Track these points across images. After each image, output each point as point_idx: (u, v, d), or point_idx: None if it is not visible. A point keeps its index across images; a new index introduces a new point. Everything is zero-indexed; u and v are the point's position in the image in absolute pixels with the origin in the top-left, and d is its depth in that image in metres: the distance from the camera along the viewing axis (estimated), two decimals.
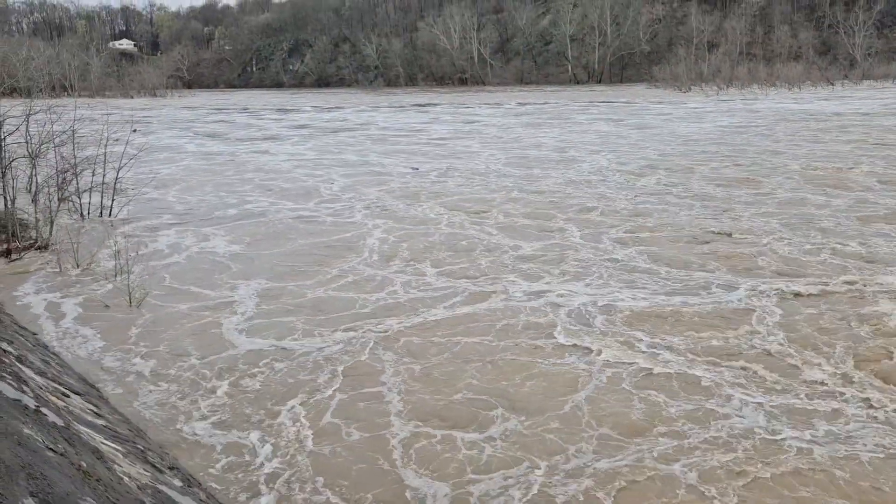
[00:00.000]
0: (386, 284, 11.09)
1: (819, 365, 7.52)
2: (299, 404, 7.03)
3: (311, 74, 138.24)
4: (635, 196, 17.91)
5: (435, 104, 63.88)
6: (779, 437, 6.08)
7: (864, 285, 10.11)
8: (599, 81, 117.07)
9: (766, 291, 9.98)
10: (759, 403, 6.74)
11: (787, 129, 31.91)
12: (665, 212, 15.81)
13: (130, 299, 10.30)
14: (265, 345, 8.71)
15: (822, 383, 7.11)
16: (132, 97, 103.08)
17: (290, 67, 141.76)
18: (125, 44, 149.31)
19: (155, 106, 74.58)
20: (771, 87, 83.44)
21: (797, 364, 7.58)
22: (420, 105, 63.79)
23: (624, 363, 7.78)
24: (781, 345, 8.10)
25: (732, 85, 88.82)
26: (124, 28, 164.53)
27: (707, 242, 12.99)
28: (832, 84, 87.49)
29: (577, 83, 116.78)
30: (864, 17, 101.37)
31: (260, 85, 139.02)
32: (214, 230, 15.35)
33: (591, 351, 8.19)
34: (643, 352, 8.07)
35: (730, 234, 13.48)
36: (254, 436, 6.39)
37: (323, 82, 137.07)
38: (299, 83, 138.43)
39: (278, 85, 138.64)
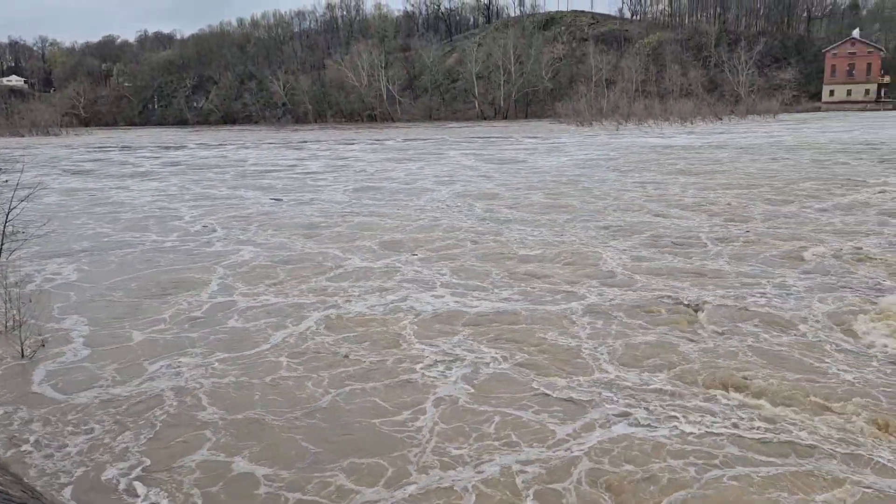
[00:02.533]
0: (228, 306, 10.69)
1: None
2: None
3: (216, 112, 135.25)
4: (445, 217, 17.54)
5: (320, 140, 63.13)
6: None
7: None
8: (506, 117, 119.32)
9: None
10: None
11: (627, 162, 32.65)
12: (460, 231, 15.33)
13: None
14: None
15: None
16: (23, 136, 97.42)
17: (195, 105, 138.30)
18: (14, 80, 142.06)
19: (36, 145, 70.74)
20: (665, 122, 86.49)
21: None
22: (304, 142, 62.91)
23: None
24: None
25: (630, 120, 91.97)
26: (13, 64, 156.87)
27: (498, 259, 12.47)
28: (720, 119, 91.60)
29: (485, 119, 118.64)
30: (745, 56, 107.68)
31: (162, 123, 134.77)
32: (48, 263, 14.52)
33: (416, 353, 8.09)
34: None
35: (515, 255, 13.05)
36: None
37: (229, 119, 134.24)
38: (204, 120, 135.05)
39: (182, 122, 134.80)
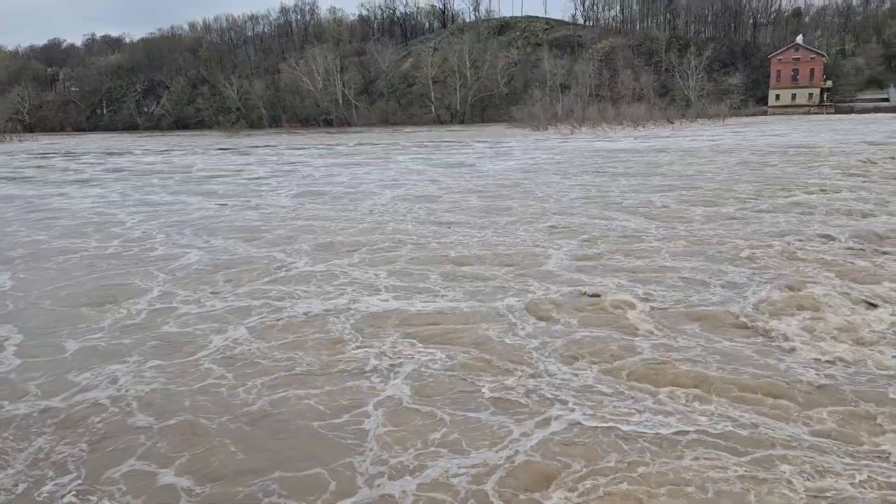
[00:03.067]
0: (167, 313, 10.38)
1: None
2: None
3: (168, 116, 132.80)
4: (386, 221, 17.45)
5: (271, 146, 62.33)
6: None
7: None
8: (462, 122, 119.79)
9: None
10: None
11: (572, 165, 32.89)
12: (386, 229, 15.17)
13: None
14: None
15: None
16: None
17: (146, 109, 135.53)
18: None
19: None
20: (619, 126, 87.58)
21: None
22: (254, 147, 62.05)
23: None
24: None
25: (584, 124, 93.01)
26: None
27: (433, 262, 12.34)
28: (672, 123, 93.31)
29: (441, 123, 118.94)
30: (695, 62, 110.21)
31: (112, 128, 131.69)
32: None
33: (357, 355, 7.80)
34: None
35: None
36: None
37: (182, 124, 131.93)
38: (156, 126, 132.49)
39: (132, 127, 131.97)
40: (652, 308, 9.89)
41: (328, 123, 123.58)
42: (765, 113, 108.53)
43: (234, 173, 37.06)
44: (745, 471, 5.60)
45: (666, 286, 11.06)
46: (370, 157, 43.55)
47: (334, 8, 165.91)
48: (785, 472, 5.52)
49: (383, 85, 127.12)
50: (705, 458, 5.81)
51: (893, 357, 7.76)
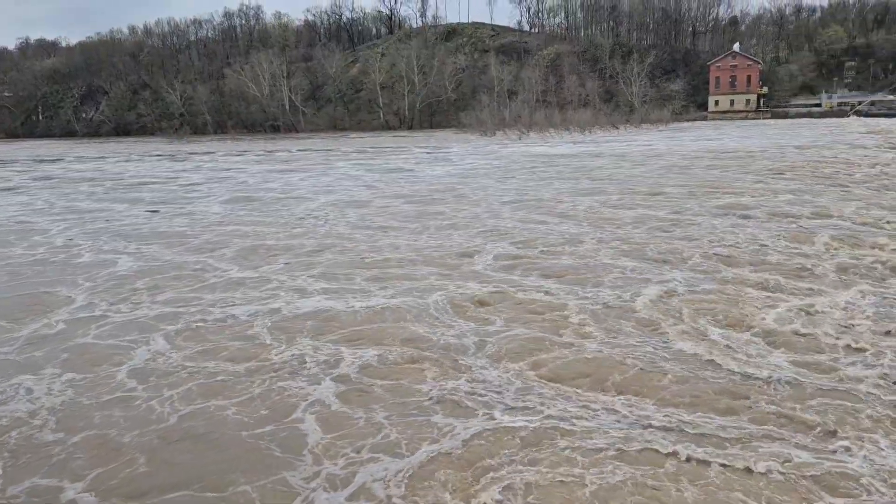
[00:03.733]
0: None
1: None
2: None
3: (107, 123, 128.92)
4: (316, 226, 17.07)
5: (210, 152, 61.06)
6: None
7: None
8: (411, 127, 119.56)
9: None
10: None
11: (508, 170, 33.07)
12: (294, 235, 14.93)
13: None
14: None
15: None
16: None
17: (84, 115, 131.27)
18: None
19: None
20: (566, 131, 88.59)
21: None
22: (192, 153, 60.72)
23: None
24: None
25: (532, 129, 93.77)
26: None
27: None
28: (617, 128, 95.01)
29: (390, 129, 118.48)
30: (638, 68, 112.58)
31: (48, 134, 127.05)
32: None
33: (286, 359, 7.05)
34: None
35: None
36: None
37: (122, 131, 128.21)
38: (95, 132, 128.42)
39: (71, 134, 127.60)
40: (578, 307, 9.94)
41: (275, 129, 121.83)
42: (705, 118, 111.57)
43: (167, 180, 36.23)
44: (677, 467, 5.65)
45: (592, 285, 11.16)
46: (309, 164, 43.03)
47: (280, 13, 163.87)
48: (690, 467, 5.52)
49: (331, 90, 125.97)
50: (633, 453, 5.84)
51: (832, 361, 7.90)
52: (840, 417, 6.33)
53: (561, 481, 5.50)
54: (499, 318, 9.67)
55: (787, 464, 5.57)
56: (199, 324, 9.98)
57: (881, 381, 7.02)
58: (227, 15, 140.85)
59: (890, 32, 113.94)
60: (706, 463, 5.68)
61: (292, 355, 8.53)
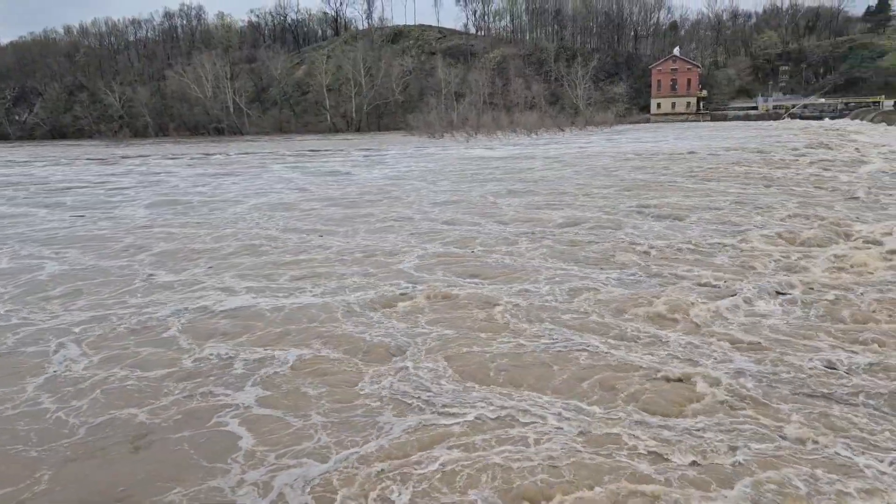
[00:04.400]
0: None
1: None
2: None
3: (42, 125, 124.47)
4: (241, 229, 16.77)
5: (145, 155, 59.41)
6: None
7: None
8: (358, 129, 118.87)
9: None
10: None
11: (443, 173, 32.95)
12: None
13: None
14: None
15: None
16: None
17: (17, 118, 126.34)
18: None
19: None
20: (512, 133, 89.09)
21: None
22: (126, 157, 59.01)
23: None
24: None
25: (480, 131, 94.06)
26: None
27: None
28: (563, 130, 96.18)
29: (337, 131, 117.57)
30: (582, 72, 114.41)
31: None
32: None
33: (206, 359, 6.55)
34: None
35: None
36: None
37: (58, 134, 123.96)
38: (29, 135, 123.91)
39: (3, 137, 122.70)
40: (504, 305, 10.00)
41: (219, 132, 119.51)
42: (648, 120, 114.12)
43: (95, 184, 35.07)
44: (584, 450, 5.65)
45: (517, 284, 11.20)
46: (244, 167, 42.21)
47: (222, 13, 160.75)
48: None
49: (276, 93, 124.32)
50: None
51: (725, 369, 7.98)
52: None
53: (488, 474, 5.52)
54: (424, 316, 9.67)
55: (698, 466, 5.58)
56: (117, 329, 9.69)
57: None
58: (168, 15, 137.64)
59: (820, 38, 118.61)
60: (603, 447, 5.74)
61: (214, 357, 8.37)
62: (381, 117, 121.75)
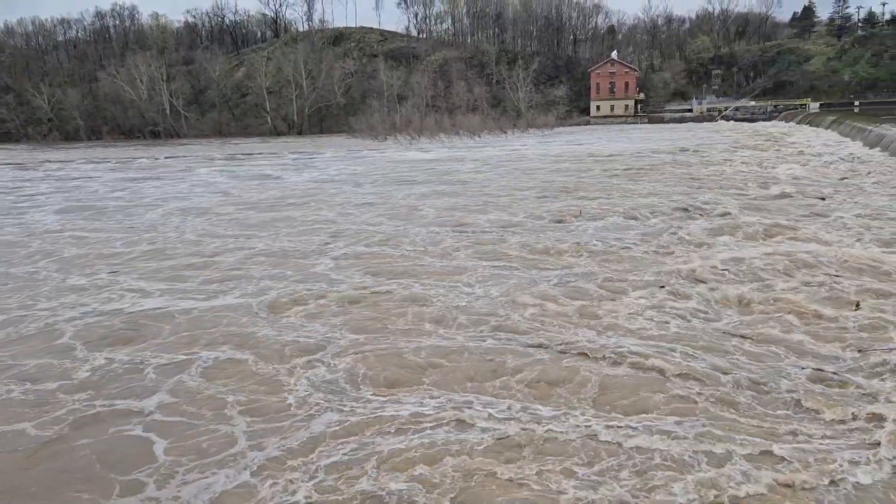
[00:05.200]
0: None
1: None
2: None
3: None
4: (155, 235, 16.36)
5: (68, 160, 57.23)
6: None
7: None
8: (300, 133, 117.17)
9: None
10: None
11: (371, 176, 32.73)
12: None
13: None
14: None
15: None
16: None
17: None
18: None
19: None
20: (455, 136, 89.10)
21: None
22: (46, 161, 56.87)
23: None
24: None
25: (423, 134, 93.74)
26: None
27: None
28: (505, 132, 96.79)
29: (279, 134, 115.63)
30: (523, 74, 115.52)
31: None
32: None
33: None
34: None
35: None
36: None
37: None
38: None
39: None
40: (416, 304, 10.07)
41: (155, 135, 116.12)
42: (588, 122, 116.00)
43: (10, 190, 33.59)
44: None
45: (430, 285, 11.24)
46: (170, 171, 41.11)
47: (157, 13, 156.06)
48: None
49: (215, 95, 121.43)
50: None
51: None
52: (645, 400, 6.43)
53: (399, 476, 5.52)
54: (334, 317, 9.69)
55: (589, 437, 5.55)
56: (23, 330, 9.50)
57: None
58: (99, 15, 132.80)
59: (750, 43, 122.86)
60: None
61: (118, 363, 8.18)
62: (323, 120, 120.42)
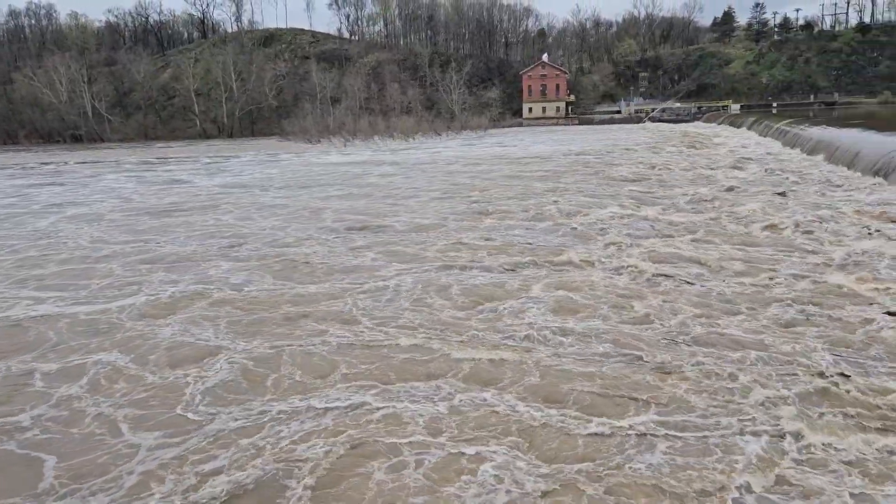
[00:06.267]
0: None
1: None
2: None
3: None
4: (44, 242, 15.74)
5: None
6: None
7: None
8: (231, 136, 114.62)
9: None
10: None
11: (282, 180, 32.31)
12: None
13: None
14: None
15: None
16: None
17: None
18: None
19: None
20: (389, 138, 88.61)
21: None
22: None
23: None
24: None
25: (357, 136, 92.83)
26: None
27: None
28: (439, 134, 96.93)
29: (208, 137, 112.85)
30: (456, 77, 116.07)
31: None
32: None
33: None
34: None
35: None
36: None
37: None
38: None
39: None
40: (310, 306, 10.12)
41: (77, 139, 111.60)
42: (521, 124, 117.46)
43: None
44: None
45: (324, 284, 11.29)
46: (75, 177, 39.51)
47: (76, 13, 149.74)
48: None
49: (140, 97, 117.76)
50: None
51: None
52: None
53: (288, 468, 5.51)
54: (219, 322, 9.59)
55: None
56: None
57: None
58: (13, 14, 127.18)
59: (674, 47, 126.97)
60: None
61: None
62: (254, 122, 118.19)
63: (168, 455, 5.85)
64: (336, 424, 6.27)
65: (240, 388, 7.22)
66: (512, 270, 11.80)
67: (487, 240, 14.65)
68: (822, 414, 5.96)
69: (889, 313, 7.84)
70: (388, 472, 5.45)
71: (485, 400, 6.62)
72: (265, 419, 6.44)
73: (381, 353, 8.02)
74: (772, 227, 14.42)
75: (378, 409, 6.53)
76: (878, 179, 19.55)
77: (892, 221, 13.96)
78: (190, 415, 6.61)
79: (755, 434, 5.71)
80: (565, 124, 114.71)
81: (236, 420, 6.45)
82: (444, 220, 17.68)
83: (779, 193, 19.24)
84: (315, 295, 10.80)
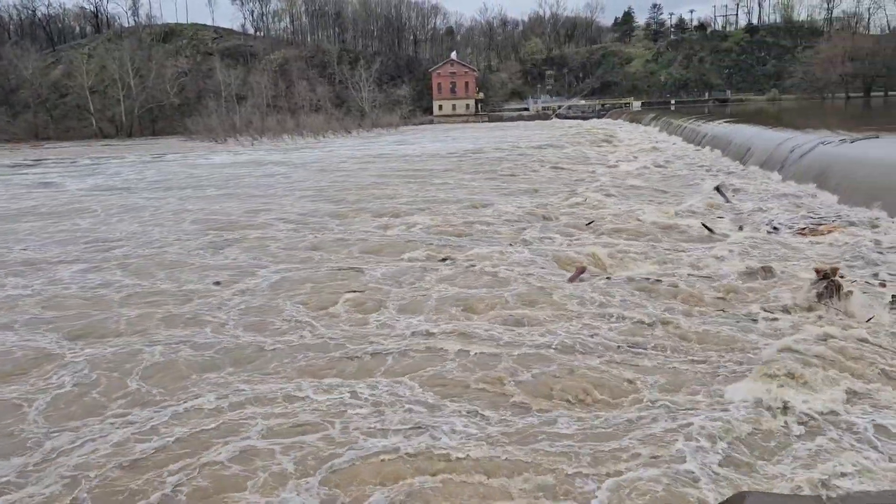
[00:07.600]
0: None
1: None
2: None
3: None
4: None
5: None
6: None
7: None
8: (130, 135, 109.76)
9: None
10: None
11: (152, 182, 31.28)
12: None
13: None
14: None
15: None
16: None
17: None
18: None
19: None
20: (299, 136, 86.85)
21: None
22: None
23: None
24: None
25: (265, 135, 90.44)
26: None
27: None
28: (350, 132, 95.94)
29: (105, 137, 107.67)
30: (365, 74, 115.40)
31: None
32: None
33: None
34: None
35: None
36: None
37: None
38: None
39: None
40: (158, 309, 9.95)
41: None
42: (432, 122, 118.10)
43: None
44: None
45: (173, 286, 11.18)
46: None
47: None
48: None
49: (28, 95, 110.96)
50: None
51: None
52: None
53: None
54: (71, 324, 9.34)
55: None
56: None
57: None
58: None
59: (578, 46, 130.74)
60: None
61: None
62: (155, 121, 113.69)
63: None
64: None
65: (96, 395, 7.08)
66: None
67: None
68: None
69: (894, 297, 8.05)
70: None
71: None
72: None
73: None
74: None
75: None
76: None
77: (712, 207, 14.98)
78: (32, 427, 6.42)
79: None
80: (475, 121, 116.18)
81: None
82: (306, 217, 17.62)
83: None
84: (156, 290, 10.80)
